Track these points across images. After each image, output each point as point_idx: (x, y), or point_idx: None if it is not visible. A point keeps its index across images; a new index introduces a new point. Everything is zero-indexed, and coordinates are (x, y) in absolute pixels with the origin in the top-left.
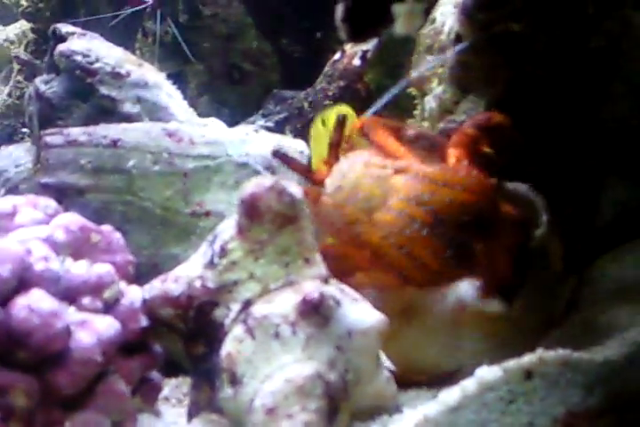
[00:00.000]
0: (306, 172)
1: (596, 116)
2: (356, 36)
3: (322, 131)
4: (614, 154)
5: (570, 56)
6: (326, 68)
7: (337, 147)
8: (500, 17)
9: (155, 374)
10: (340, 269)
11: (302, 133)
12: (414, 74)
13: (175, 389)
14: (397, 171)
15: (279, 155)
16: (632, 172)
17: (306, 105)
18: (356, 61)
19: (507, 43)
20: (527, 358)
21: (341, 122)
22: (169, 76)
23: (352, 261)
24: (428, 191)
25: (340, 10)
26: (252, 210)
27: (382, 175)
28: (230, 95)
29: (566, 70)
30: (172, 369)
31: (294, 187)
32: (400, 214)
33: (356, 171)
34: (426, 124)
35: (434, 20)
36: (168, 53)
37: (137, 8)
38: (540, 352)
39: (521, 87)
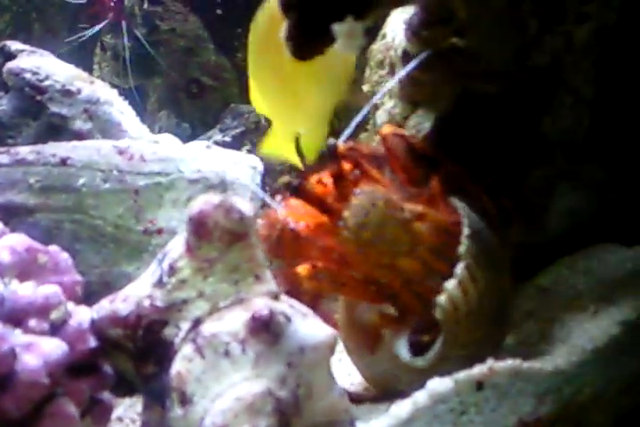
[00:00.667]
0: (320, 204)
1: (538, 128)
2: (300, 54)
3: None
4: (563, 164)
5: (512, 71)
6: None
7: (344, 177)
8: (445, 33)
9: (105, 395)
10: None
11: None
12: (378, 96)
13: (129, 408)
14: (417, 216)
15: (292, 187)
16: (583, 181)
17: (263, 119)
18: None
19: (452, 58)
20: (477, 369)
21: (333, 150)
22: (129, 90)
23: (352, 291)
24: (447, 244)
25: (284, 28)
26: (200, 228)
27: (405, 220)
28: (189, 109)
29: (510, 84)
30: (126, 388)
31: (243, 203)
32: (424, 264)
33: (379, 211)
34: (377, 137)
35: (384, 36)
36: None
37: (99, 26)
38: (490, 363)
39: (467, 102)
